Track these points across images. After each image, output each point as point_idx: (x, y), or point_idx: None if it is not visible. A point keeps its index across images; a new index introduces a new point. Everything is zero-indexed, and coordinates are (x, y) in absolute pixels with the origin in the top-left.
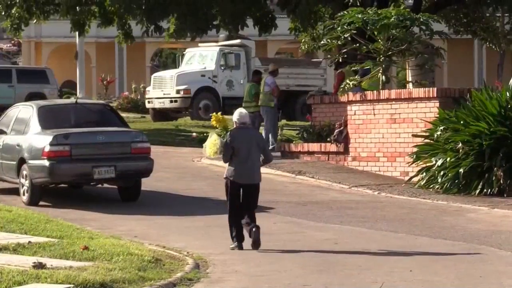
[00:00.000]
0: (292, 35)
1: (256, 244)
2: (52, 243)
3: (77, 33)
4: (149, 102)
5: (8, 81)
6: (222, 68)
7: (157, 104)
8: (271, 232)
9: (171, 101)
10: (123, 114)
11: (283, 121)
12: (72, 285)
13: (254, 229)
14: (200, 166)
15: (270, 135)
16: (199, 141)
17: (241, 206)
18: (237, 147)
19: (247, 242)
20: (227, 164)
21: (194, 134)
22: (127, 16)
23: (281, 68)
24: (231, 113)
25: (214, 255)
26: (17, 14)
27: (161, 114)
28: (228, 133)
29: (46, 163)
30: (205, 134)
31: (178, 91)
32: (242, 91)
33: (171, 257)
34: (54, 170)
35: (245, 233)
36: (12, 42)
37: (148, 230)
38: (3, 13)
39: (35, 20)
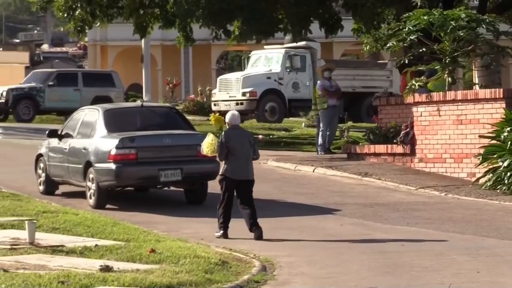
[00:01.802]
0: (358, 38)
1: (260, 238)
2: (119, 246)
3: (139, 36)
4: (215, 104)
5: (74, 85)
6: (288, 70)
7: (223, 107)
8: (337, 234)
9: (237, 104)
10: (189, 117)
11: (349, 123)
12: None
13: (256, 231)
14: (266, 168)
15: (320, 137)
16: (266, 144)
17: (232, 200)
18: (232, 146)
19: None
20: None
21: (260, 136)
22: (190, 20)
23: (347, 70)
24: (297, 115)
25: (280, 257)
26: (80, 16)
27: None
28: (223, 134)
29: (112, 166)
30: (271, 137)
31: (244, 94)
32: (307, 93)
33: (237, 259)
34: (120, 173)
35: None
36: (78, 45)
37: (214, 233)
38: (65, 16)
39: (98, 23)
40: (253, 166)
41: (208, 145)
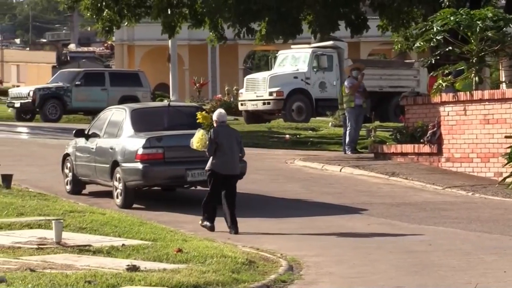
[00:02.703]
0: (385, 36)
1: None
2: (146, 246)
3: (167, 35)
4: (242, 104)
5: (101, 85)
6: (315, 70)
7: (250, 106)
8: (365, 234)
9: (264, 103)
10: None
11: (376, 122)
12: None
13: (234, 228)
14: (294, 168)
15: (347, 136)
16: (293, 143)
17: (220, 194)
18: (220, 142)
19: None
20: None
21: (287, 136)
22: (218, 18)
23: (374, 69)
24: (324, 115)
25: (307, 256)
26: (108, 16)
27: (254, 116)
28: (212, 130)
29: (139, 166)
30: (298, 136)
31: (271, 93)
32: (334, 92)
33: (264, 259)
34: (148, 173)
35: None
36: (105, 45)
37: (241, 232)
38: (94, 16)
39: (126, 23)
40: (239, 161)
41: (198, 140)
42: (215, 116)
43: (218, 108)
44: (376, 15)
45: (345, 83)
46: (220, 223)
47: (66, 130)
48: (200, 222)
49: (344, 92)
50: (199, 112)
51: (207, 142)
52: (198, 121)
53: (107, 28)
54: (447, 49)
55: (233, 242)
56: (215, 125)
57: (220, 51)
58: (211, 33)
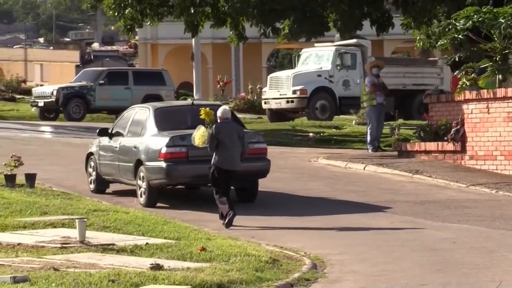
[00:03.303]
0: (408, 34)
1: (228, 225)
2: (170, 245)
3: (191, 34)
4: (265, 102)
5: (124, 83)
6: (338, 68)
7: (273, 105)
8: (388, 232)
9: (287, 102)
10: (240, 115)
11: (400, 120)
12: (189, 287)
13: (231, 215)
14: (317, 166)
15: (369, 135)
16: (316, 142)
17: (224, 186)
18: (222, 138)
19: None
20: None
21: (311, 134)
22: (241, 18)
23: (398, 67)
24: (348, 113)
25: (331, 255)
26: (130, 15)
27: (277, 115)
28: (214, 126)
29: (163, 164)
30: (321, 134)
31: (294, 92)
32: (358, 90)
33: (288, 257)
34: (171, 172)
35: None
36: (129, 44)
37: (265, 231)
38: (116, 14)
39: (148, 22)
40: (240, 158)
41: (199, 137)
42: (219, 112)
43: (222, 106)
44: (399, 12)
45: (365, 81)
46: (246, 221)
47: (89, 129)
48: (222, 221)
49: (364, 90)
50: (202, 108)
51: (208, 138)
52: (201, 117)
53: (128, 27)
54: (472, 49)
55: (257, 241)
56: (218, 121)
57: (244, 50)
58: (231, 32)
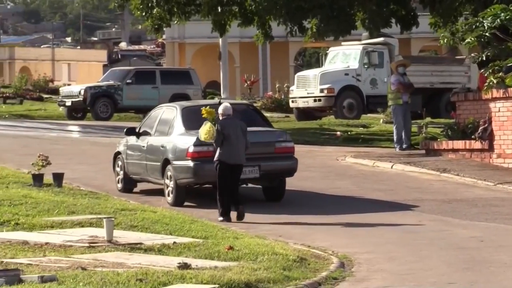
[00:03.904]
0: (435, 33)
1: (240, 217)
2: (197, 244)
3: (218, 33)
4: (293, 101)
5: (152, 83)
6: (366, 66)
7: (301, 104)
8: (416, 230)
9: (315, 100)
10: (267, 114)
11: (427, 119)
12: (217, 286)
13: (240, 208)
14: (345, 164)
15: (396, 134)
16: (344, 140)
17: (228, 183)
18: (227, 133)
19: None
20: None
21: (338, 133)
22: (268, 17)
23: (425, 66)
24: (375, 112)
25: (359, 253)
26: (158, 14)
27: (305, 113)
28: (218, 123)
29: (190, 163)
30: (349, 133)
31: (322, 90)
32: (385, 89)
33: (316, 256)
34: (199, 171)
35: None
36: (156, 43)
37: (292, 230)
38: (144, 14)
39: (176, 21)
40: (244, 152)
41: (206, 132)
42: (220, 109)
43: (224, 102)
44: (426, 11)
45: (391, 79)
46: (274, 220)
47: (116, 128)
48: (219, 218)
49: (389, 89)
50: (203, 108)
51: (215, 134)
52: (203, 116)
53: (156, 26)
54: (500, 47)
55: (285, 240)
56: (221, 118)
57: (271, 49)
58: (258, 31)
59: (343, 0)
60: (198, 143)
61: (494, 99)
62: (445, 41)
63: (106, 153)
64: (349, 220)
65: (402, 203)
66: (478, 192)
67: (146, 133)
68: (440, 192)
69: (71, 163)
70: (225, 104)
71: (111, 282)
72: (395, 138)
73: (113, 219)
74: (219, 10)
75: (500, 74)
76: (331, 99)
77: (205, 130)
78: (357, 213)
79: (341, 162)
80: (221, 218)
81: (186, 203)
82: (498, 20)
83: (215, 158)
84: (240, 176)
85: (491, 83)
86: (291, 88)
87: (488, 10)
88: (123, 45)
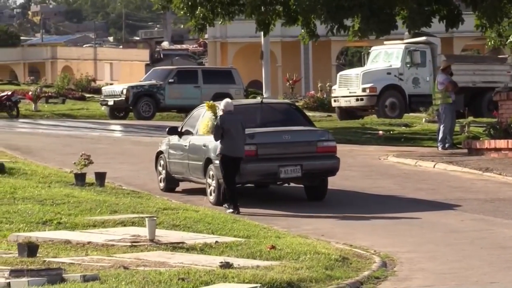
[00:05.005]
0: (478, 32)
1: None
2: (239, 243)
3: (262, 33)
4: (335, 100)
5: (194, 82)
6: (408, 65)
7: (343, 103)
8: (458, 230)
9: (357, 100)
10: (309, 113)
11: (470, 118)
12: (259, 285)
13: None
14: (387, 164)
15: (441, 132)
16: (386, 139)
17: (233, 176)
18: (227, 128)
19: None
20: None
21: (380, 132)
22: (311, 16)
23: (467, 65)
24: (418, 111)
25: (401, 253)
26: (201, 14)
27: (347, 113)
28: (219, 117)
29: None
30: (391, 132)
31: (364, 89)
32: (428, 88)
33: (358, 255)
34: (241, 170)
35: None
36: (198, 43)
37: (334, 229)
38: (187, 14)
39: (220, 21)
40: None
41: (204, 126)
42: (222, 105)
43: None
44: (469, 10)
45: (438, 79)
46: (316, 220)
47: (159, 127)
48: (228, 210)
49: (436, 88)
50: (206, 102)
51: (212, 128)
52: (206, 110)
53: (199, 26)
54: None
55: (327, 239)
56: (222, 113)
57: (313, 48)
58: (302, 31)
59: None
60: None
61: None
62: (492, 42)
63: (148, 153)
64: (390, 220)
65: (444, 202)
66: None
67: (188, 133)
68: (482, 191)
69: (113, 163)
70: (227, 100)
71: (153, 281)
72: (439, 137)
73: (155, 218)
74: (263, 9)
75: None
76: (373, 98)
77: (203, 125)
78: (398, 212)
79: (383, 161)
80: (230, 210)
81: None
82: None
83: (218, 152)
84: (239, 169)
85: None
86: (333, 87)
87: None
88: (165, 44)
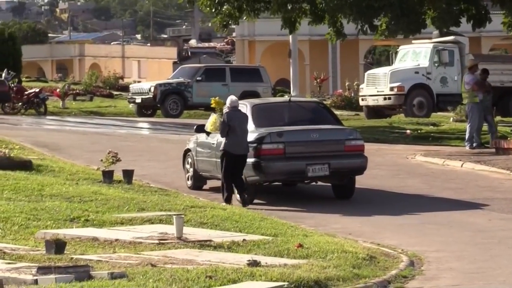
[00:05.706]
0: (506, 32)
1: (245, 203)
2: (267, 241)
3: (288, 30)
4: (362, 99)
5: (222, 80)
6: (436, 65)
7: (370, 102)
8: (486, 229)
9: (384, 98)
10: (337, 112)
11: (498, 118)
12: (286, 283)
13: (246, 196)
14: (415, 163)
15: (474, 132)
16: (414, 139)
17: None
18: (233, 125)
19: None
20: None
21: (408, 131)
22: (338, 15)
23: (495, 64)
24: (445, 110)
25: (428, 252)
26: (227, 11)
27: (375, 112)
28: (225, 114)
29: (260, 161)
30: (419, 132)
31: (391, 88)
32: (456, 88)
33: (385, 254)
34: (268, 168)
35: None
36: (226, 41)
37: (362, 228)
38: (213, 10)
39: (245, 18)
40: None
41: (211, 124)
42: (228, 102)
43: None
44: (497, 9)
45: (465, 79)
46: (343, 218)
47: (186, 125)
48: (223, 203)
49: (463, 88)
50: (213, 98)
51: (219, 125)
52: (212, 105)
53: (224, 23)
54: None
55: (354, 238)
56: (227, 110)
57: (341, 46)
58: (329, 29)
59: None
60: (268, 140)
61: None
62: None
63: (175, 150)
64: (418, 219)
65: (471, 201)
66: None
67: None
68: (510, 191)
69: (141, 160)
70: (232, 97)
71: (180, 279)
72: (467, 136)
73: (183, 216)
74: (289, 7)
75: None
76: (401, 97)
77: (211, 122)
78: (426, 211)
79: (411, 160)
80: (224, 203)
81: (255, 201)
82: None
83: (221, 148)
84: (244, 165)
85: None
86: (361, 86)
87: None
88: (193, 42)
